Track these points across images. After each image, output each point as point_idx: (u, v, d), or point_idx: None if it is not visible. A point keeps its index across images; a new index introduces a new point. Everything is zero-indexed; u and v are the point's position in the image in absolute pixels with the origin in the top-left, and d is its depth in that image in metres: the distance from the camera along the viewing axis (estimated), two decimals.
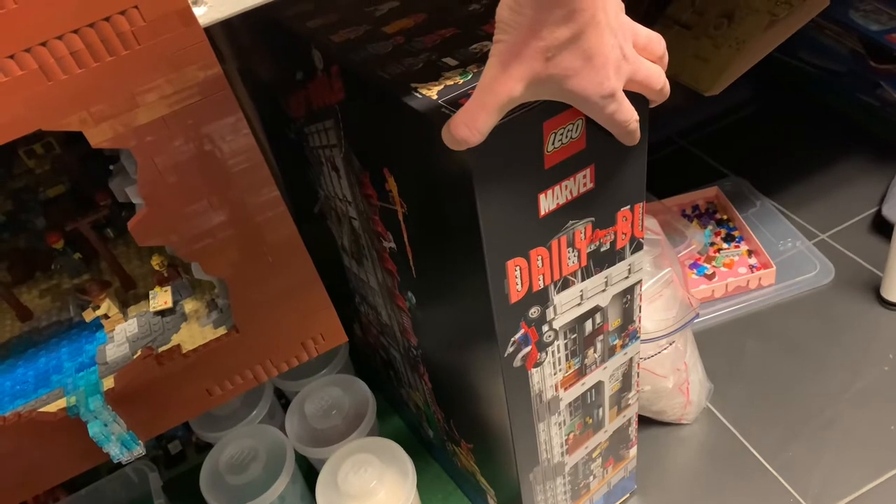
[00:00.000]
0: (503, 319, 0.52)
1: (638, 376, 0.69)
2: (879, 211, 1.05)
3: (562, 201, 0.50)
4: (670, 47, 0.44)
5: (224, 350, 0.47)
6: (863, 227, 1.06)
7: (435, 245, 0.55)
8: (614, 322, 0.61)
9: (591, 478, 0.73)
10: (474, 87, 0.42)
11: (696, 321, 0.82)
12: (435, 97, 0.46)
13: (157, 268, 0.50)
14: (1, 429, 0.44)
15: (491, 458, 0.70)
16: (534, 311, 0.54)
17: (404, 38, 0.54)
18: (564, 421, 0.65)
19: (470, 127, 0.40)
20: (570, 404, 0.64)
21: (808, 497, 0.78)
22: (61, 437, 0.45)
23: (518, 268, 0.50)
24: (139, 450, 0.47)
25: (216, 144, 0.40)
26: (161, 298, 0.49)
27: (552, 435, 0.65)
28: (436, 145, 0.43)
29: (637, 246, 0.57)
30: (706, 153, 1.24)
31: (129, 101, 0.36)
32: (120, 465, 0.83)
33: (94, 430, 0.45)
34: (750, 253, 1.04)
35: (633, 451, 0.77)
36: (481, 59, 0.49)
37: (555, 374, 0.60)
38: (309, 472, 0.82)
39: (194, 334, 0.48)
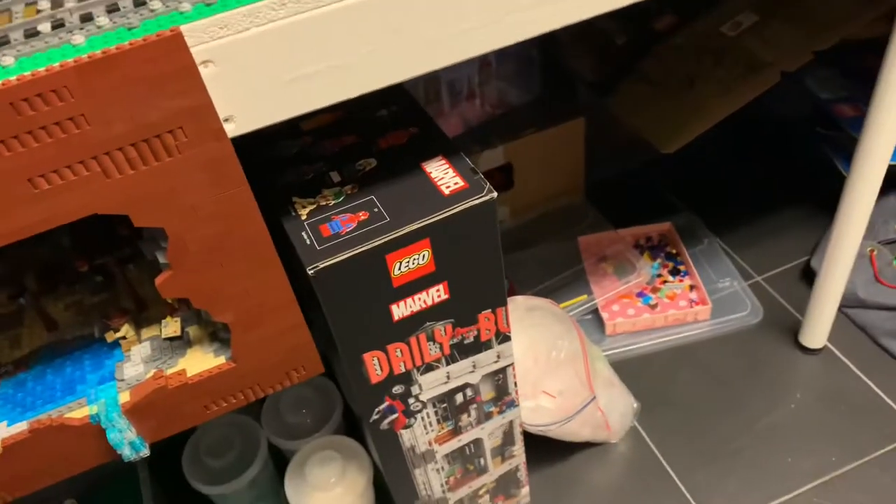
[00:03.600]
0: (364, 396, 0.59)
1: (522, 433, 0.76)
2: (809, 261, 1.16)
3: (416, 309, 0.55)
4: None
5: (222, 376, 0.57)
6: (794, 273, 1.17)
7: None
8: (487, 395, 0.68)
9: None
10: (342, 209, 0.48)
11: (589, 403, 0.91)
12: (304, 217, 0.51)
13: (169, 300, 0.59)
14: (37, 430, 0.53)
15: None
16: (397, 389, 0.60)
17: (312, 139, 0.56)
18: (443, 467, 0.73)
19: None
20: (446, 455, 0.71)
21: None
22: (83, 439, 0.55)
23: (376, 358, 0.57)
24: (145, 451, 0.57)
25: (233, 226, 0.49)
26: (171, 327, 0.58)
27: (430, 478, 0.73)
28: (302, 265, 0.50)
29: (504, 338, 0.63)
30: (667, 188, 1.33)
31: (168, 193, 0.45)
32: None
33: (111, 435, 0.55)
34: (691, 288, 1.15)
35: (525, 490, 0.84)
36: (361, 178, 0.54)
37: (427, 433, 0.67)
38: (279, 462, 0.92)
39: (198, 360, 0.58)
